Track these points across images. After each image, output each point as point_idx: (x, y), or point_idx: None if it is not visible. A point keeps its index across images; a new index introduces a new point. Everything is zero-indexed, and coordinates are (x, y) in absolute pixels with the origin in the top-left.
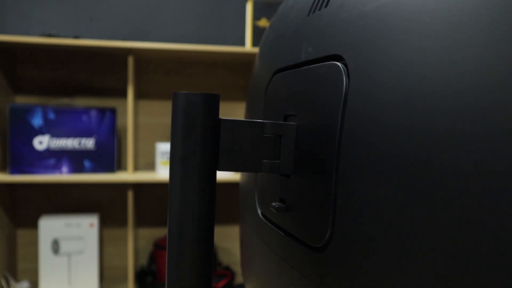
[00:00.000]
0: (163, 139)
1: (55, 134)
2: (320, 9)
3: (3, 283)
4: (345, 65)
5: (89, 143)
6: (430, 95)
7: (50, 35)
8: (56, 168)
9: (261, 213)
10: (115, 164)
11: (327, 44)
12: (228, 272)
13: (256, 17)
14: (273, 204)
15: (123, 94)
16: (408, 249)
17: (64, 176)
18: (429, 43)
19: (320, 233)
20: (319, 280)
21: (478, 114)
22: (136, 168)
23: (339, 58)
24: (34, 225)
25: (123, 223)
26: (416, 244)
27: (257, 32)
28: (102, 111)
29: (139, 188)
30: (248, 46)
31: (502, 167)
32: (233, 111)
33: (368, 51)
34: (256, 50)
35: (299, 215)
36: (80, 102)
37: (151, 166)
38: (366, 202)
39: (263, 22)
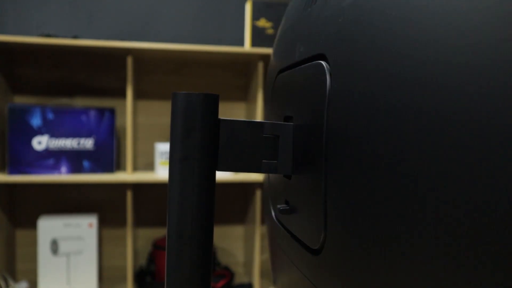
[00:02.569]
0: (162, 139)
1: (54, 134)
2: (311, 6)
3: (2, 283)
4: (328, 64)
5: (88, 143)
6: (405, 89)
7: (49, 35)
8: (55, 168)
9: (274, 214)
10: (114, 164)
11: (314, 43)
12: (227, 272)
13: (255, 17)
14: (278, 206)
15: (122, 94)
16: (401, 255)
17: (63, 176)
18: (403, 37)
19: (316, 236)
20: (317, 282)
21: (462, 116)
22: (135, 168)
23: (323, 57)
24: (33, 225)
25: (122, 223)
26: (407, 248)
27: (256, 32)
28: (101, 111)
29: (138, 188)
30: (247, 46)
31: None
32: (232, 111)
33: (346, 48)
34: (255, 50)
35: (300, 217)
36: (79, 102)
37: (150, 166)
38: (355, 204)
39: (262, 22)
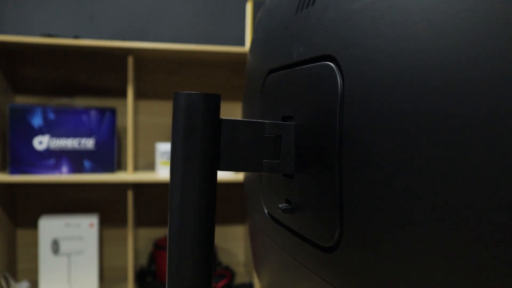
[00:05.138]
0: (163, 139)
1: (55, 134)
2: (307, 7)
3: (3, 283)
4: (338, 65)
5: (89, 143)
6: (424, 90)
7: (50, 35)
8: (56, 168)
9: (268, 213)
10: (115, 164)
11: (318, 44)
12: (228, 272)
13: (256, 17)
14: (280, 205)
15: (123, 94)
16: (420, 242)
17: (64, 176)
18: (419, 41)
19: (329, 233)
20: (334, 279)
21: (474, 116)
22: (136, 168)
23: (331, 58)
24: (34, 225)
25: (123, 223)
26: (428, 237)
27: None
28: (102, 111)
29: (139, 188)
30: (248, 46)
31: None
32: (233, 111)
33: (359, 51)
34: None
35: (306, 216)
36: (80, 102)
37: (151, 166)
38: (373, 199)
39: None
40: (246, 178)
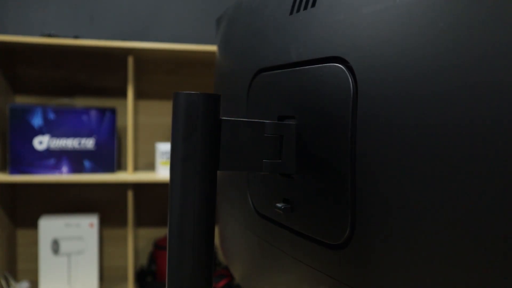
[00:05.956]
0: (163, 139)
1: (55, 134)
2: (306, 8)
3: (3, 283)
4: (349, 67)
5: (89, 143)
6: (438, 95)
7: (50, 35)
8: (56, 168)
9: (257, 212)
10: (115, 164)
11: (323, 46)
12: (228, 272)
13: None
14: (278, 205)
15: (123, 94)
16: (433, 238)
17: (64, 176)
18: (435, 50)
19: (339, 231)
20: (343, 276)
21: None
22: (136, 168)
23: (339, 60)
24: (34, 225)
25: (123, 223)
26: (442, 235)
27: None
28: (102, 111)
29: (139, 188)
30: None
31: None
32: None
33: (374, 54)
34: None
35: (311, 215)
36: (80, 102)
37: (151, 166)
38: (387, 199)
39: None
40: (219, 178)
